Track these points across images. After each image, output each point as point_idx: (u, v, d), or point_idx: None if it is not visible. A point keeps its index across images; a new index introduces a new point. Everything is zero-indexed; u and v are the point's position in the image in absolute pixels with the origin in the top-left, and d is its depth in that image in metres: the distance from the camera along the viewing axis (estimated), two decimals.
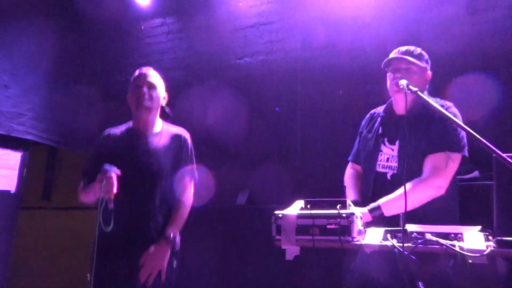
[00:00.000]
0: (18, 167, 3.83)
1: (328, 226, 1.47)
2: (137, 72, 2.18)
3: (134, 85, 2.14)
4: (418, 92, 1.63)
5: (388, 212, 1.74)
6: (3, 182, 3.71)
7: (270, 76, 3.76)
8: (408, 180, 1.73)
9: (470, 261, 1.28)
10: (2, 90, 3.64)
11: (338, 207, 1.49)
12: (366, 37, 3.35)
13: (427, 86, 1.95)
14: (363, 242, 1.47)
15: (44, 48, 4.03)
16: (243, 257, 3.34)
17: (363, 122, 2.18)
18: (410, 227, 1.43)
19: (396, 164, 1.87)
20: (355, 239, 1.45)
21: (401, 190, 1.73)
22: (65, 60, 4.31)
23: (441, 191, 1.75)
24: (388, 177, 1.89)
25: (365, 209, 1.76)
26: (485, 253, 1.26)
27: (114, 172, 1.86)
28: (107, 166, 1.88)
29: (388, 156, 1.92)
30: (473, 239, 1.34)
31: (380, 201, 1.77)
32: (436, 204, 1.77)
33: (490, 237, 1.36)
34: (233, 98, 3.75)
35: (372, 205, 1.78)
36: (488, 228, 1.40)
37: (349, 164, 2.24)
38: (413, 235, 1.40)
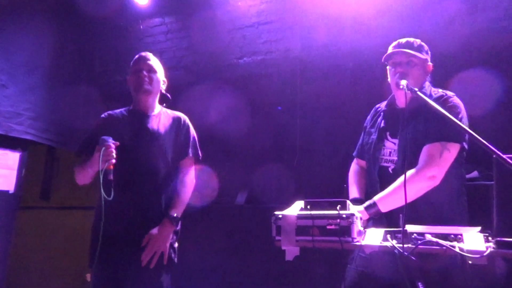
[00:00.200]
0: (16, 167, 3.82)
1: (328, 227, 1.47)
2: (137, 56, 2.18)
3: (134, 68, 2.14)
4: (418, 92, 1.63)
5: (384, 208, 1.73)
6: (2, 182, 3.70)
7: (269, 76, 3.76)
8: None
9: (470, 262, 1.28)
10: (0, 90, 3.63)
11: (338, 207, 1.49)
12: (366, 36, 3.35)
13: (428, 77, 1.96)
14: (363, 242, 1.47)
15: (42, 47, 4.02)
16: (243, 256, 3.34)
17: (368, 117, 2.17)
18: (410, 228, 1.43)
19: (397, 158, 1.88)
20: (355, 240, 1.45)
21: (394, 184, 1.74)
22: (64, 60, 4.30)
23: (435, 182, 1.72)
24: (390, 170, 1.89)
25: (361, 207, 1.75)
26: (485, 254, 1.26)
27: (112, 142, 1.86)
28: (104, 137, 1.88)
29: (390, 150, 1.93)
30: (473, 240, 1.34)
31: (376, 198, 1.77)
32: (442, 199, 1.75)
33: (490, 238, 1.36)
34: (232, 98, 3.75)
35: (368, 202, 1.77)
36: (487, 229, 1.40)
37: (354, 160, 2.24)
38: (413, 236, 1.40)
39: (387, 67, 1.98)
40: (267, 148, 3.62)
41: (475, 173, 2.49)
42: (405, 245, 1.37)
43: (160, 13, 4.35)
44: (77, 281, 4.14)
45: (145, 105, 2.13)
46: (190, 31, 4.23)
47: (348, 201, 1.56)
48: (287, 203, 1.68)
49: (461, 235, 1.36)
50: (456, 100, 1.84)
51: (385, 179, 1.85)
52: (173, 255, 2.00)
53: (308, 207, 1.55)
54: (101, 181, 1.79)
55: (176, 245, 2.04)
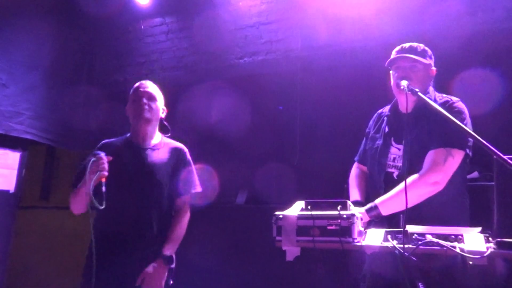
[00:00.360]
0: (16, 167, 3.83)
1: (328, 227, 1.47)
2: (136, 84, 2.14)
3: (133, 96, 2.09)
4: (419, 93, 1.63)
5: (385, 211, 1.73)
6: (2, 182, 3.70)
7: (270, 76, 3.76)
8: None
9: (470, 262, 1.28)
10: (0, 89, 3.64)
11: (338, 208, 1.49)
12: (366, 37, 3.35)
13: (432, 82, 1.95)
14: (363, 243, 1.47)
15: (43, 47, 4.03)
16: (243, 257, 3.34)
17: (371, 122, 2.16)
18: (410, 228, 1.43)
19: (401, 164, 1.87)
20: (355, 240, 1.45)
21: (397, 188, 1.73)
22: (64, 59, 4.30)
23: (438, 187, 1.72)
24: (395, 176, 1.88)
25: (362, 209, 1.75)
26: (485, 254, 1.26)
27: (105, 155, 1.83)
28: (97, 151, 1.86)
29: (394, 156, 1.92)
30: (474, 241, 1.34)
31: (377, 201, 1.77)
32: (444, 200, 1.75)
33: (490, 239, 1.36)
34: (233, 98, 3.75)
35: (369, 205, 1.77)
36: (488, 229, 1.40)
37: (355, 164, 2.23)
38: (413, 236, 1.40)
39: (390, 72, 1.96)
40: (267, 148, 3.62)
41: (475, 174, 2.49)
42: (406, 246, 1.37)
43: (161, 13, 4.36)
44: (77, 281, 4.13)
45: (144, 134, 2.08)
46: (190, 31, 4.23)
47: (348, 202, 1.56)
48: (287, 203, 1.68)
49: (461, 235, 1.36)
50: (461, 105, 1.84)
51: (390, 185, 1.84)
52: None
53: (309, 207, 1.55)
54: (91, 191, 1.74)
55: (171, 282, 2.02)
